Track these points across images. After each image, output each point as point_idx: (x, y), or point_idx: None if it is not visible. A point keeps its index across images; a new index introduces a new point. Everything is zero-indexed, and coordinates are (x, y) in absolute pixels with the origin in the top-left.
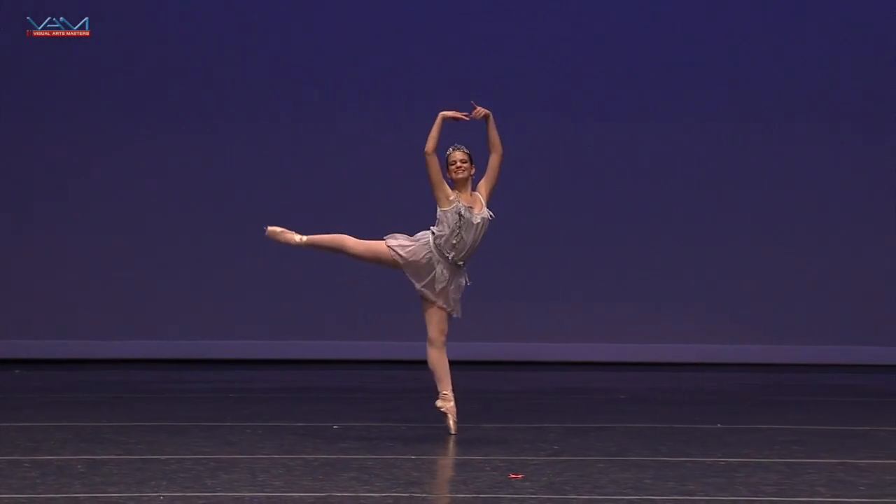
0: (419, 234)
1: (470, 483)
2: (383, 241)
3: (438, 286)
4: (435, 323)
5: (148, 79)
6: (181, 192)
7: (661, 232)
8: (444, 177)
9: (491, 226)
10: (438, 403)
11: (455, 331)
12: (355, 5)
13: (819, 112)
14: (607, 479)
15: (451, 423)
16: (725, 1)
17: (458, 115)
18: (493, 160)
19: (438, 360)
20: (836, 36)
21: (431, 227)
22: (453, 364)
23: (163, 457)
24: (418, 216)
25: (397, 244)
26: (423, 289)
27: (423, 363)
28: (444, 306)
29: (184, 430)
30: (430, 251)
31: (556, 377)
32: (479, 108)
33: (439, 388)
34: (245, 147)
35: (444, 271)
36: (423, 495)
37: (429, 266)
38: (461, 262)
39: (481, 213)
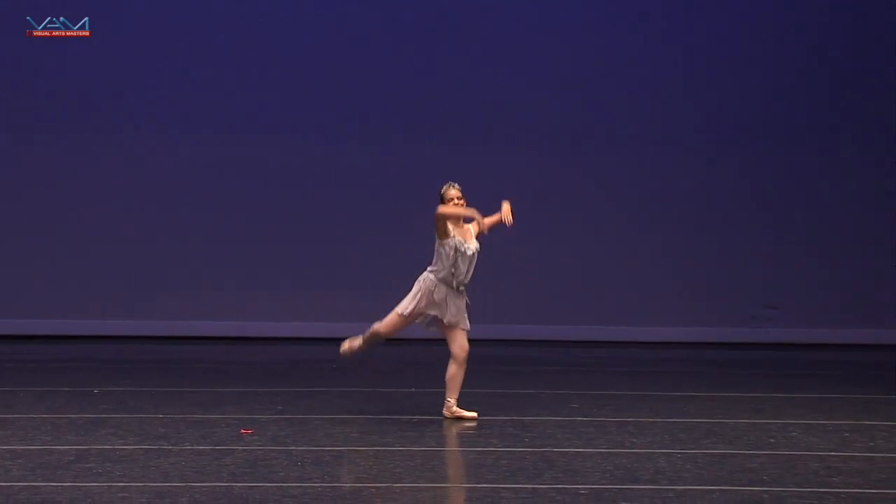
0: (420, 280)
1: (207, 437)
2: (396, 313)
3: (450, 311)
4: (458, 342)
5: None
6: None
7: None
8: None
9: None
10: (451, 412)
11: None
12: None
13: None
14: (322, 433)
15: (467, 413)
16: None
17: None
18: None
19: (457, 374)
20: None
21: (428, 268)
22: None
23: None
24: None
25: (408, 306)
26: (442, 318)
27: (174, 338)
28: (460, 325)
29: None
30: (435, 286)
31: (287, 350)
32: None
33: (448, 396)
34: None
35: (449, 297)
36: (169, 447)
37: (440, 298)
38: (463, 288)
39: (473, 244)
